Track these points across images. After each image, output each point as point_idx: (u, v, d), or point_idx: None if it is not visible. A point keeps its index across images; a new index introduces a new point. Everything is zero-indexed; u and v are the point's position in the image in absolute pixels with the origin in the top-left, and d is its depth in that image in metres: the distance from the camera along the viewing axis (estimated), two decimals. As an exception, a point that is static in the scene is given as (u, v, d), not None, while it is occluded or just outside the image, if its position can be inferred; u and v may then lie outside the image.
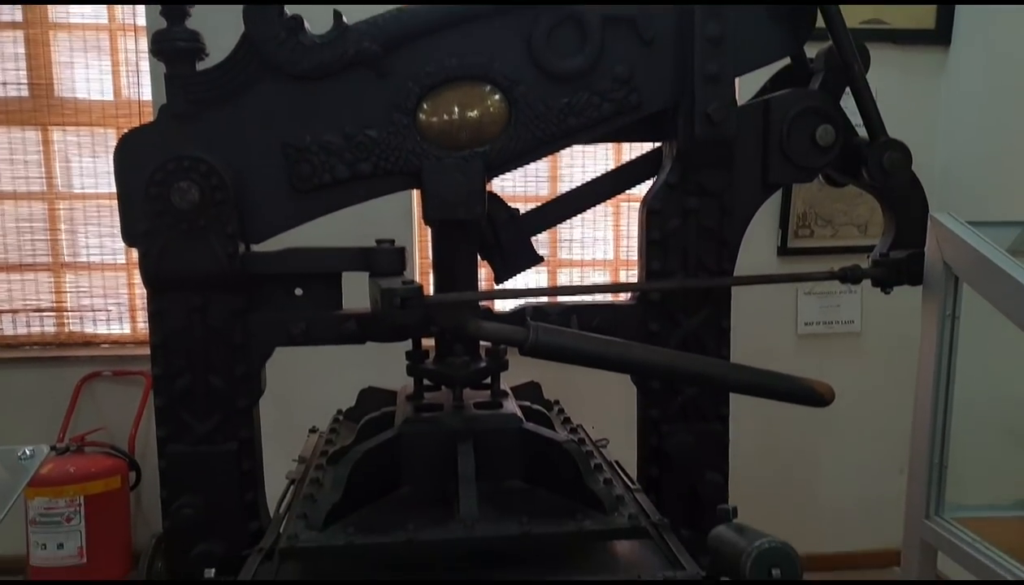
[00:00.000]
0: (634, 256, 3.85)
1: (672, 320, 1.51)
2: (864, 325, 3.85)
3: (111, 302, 3.97)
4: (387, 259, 1.42)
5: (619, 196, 3.91)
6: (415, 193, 1.49)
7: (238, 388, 1.43)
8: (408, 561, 1.17)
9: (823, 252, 3.68)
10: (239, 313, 1.41)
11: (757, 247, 3.64)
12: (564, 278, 4.02)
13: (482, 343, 1.50)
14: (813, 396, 1.34)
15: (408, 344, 1.49)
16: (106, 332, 3.97)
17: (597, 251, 4.02)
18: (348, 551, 1.14)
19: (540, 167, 3.82)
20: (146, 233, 1.36)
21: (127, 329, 3.98)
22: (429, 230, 1.55)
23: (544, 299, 1.56)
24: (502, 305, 1.53)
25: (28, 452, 1.21)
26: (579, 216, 1.75)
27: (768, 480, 3.76)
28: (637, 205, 1.56)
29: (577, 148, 3.74)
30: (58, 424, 3.67)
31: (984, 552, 1.46)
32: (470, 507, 1.20)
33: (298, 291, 1.46)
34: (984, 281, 1.40)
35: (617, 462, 1.61)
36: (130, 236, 1.38)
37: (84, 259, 3.94)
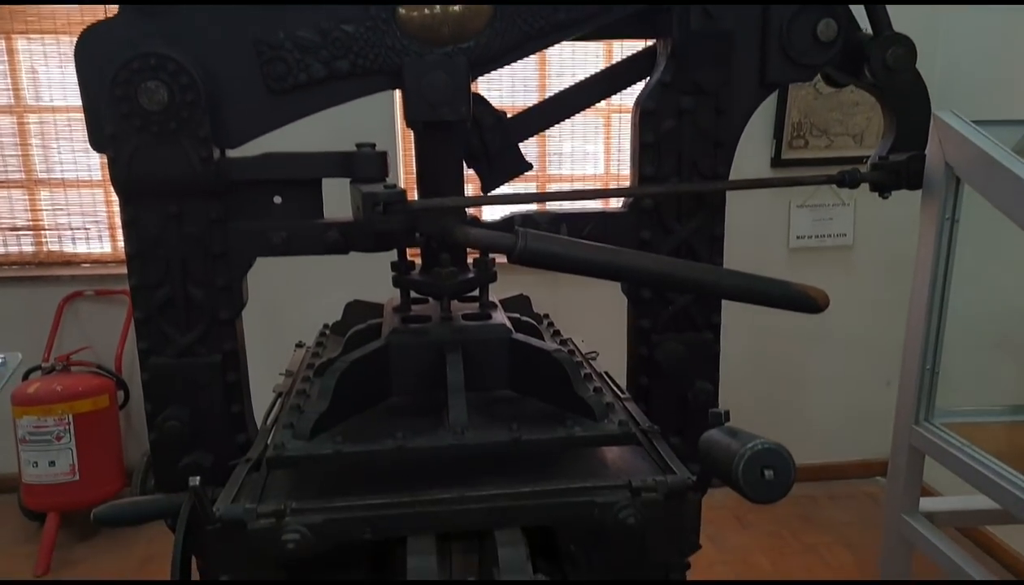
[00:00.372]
0: (625, 170, 3.78)
1: (665, 227, 1.47)
2: (856, 238, 3.84)
3: (89, 220, 3.88)
4: (368, 163, 1.36)
5: (610, 108, 3.80)
6: (398, 104, 1.42)
7: (219, 299, 1.39)
8: (397, 469, 1.16)
9: (818, 163, 3.63)
10: (217, 222, 1.36)
11: (751, 158, 3.58)
12: (553, 193, 3.95)
13: (470, 255, 1.46)
14: (807, 302, 1.31)
15: (394, 256, 1.45)
16: (86, 251, 3.91)
17: (587, 165, 3.94)
18: (336, 459, 1.13)
19: (528, 76, 3.70)
20: (113, 137, 1.29)
21: (108, 248, 3.91)
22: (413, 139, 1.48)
23: (533, 207, 1.51)
24: (490, 214, 1.49)
25: (1, 359, 1.18)
26: (569, 129, 1.68)
27: (756, 391, 3.82)
28: (628, 117, 1.49)
29: (567, 55, 3.61)
30: (42, 344, 3.65)
31: (973, 456, 1.47)
32: (460, 415, 1.18)
33: (277, 199, 1.40)
34: (988, 181, 1.36)
35: (607, 373, 1.60)
36: (97, 141, 1.32)
37: (58, 175, 3.83)
